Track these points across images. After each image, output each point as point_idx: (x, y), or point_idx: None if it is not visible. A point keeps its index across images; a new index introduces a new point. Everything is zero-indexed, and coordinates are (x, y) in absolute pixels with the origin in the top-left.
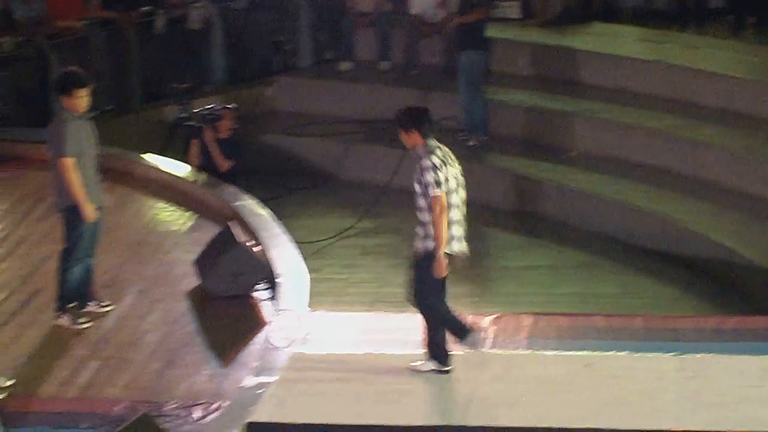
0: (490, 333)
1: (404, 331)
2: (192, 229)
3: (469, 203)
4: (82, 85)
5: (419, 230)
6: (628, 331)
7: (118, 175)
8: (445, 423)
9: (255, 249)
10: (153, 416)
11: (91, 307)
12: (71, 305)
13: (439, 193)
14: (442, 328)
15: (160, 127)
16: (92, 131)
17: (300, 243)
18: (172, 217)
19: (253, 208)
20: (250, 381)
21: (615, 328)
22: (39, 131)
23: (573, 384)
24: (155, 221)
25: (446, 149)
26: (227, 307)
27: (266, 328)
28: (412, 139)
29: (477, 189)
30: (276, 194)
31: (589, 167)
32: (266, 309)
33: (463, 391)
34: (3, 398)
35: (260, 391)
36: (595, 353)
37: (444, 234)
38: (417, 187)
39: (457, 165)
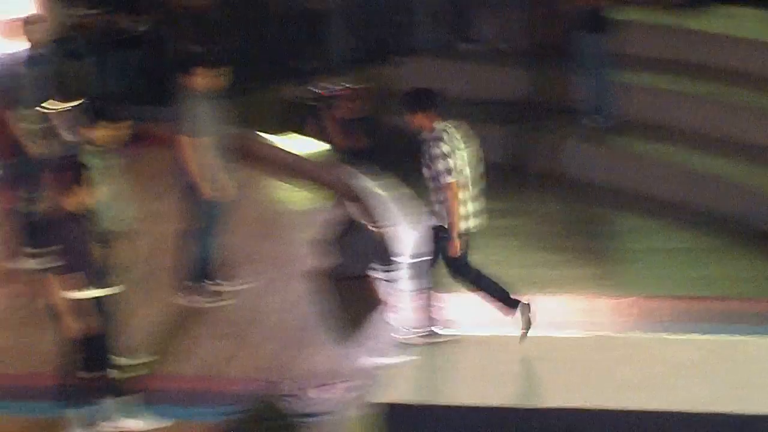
0: (621, 316)
1: (536, 312)
2: (315, 209)
3: (593, 186)
4: (206, 65)
5: (438, 209)
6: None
7: (243, 154)
8: (575, 405)
9: (379, 229)
10: (277, 396)
11: (214, 285)
12: (194, 284)
13: (450, 181)
14: (494, 288)
15: (284, 107)
16: (217, 111)
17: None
18: (296, 196)
19: (376, 188)
20: (372, 361)
21: (750, 312)
22: (160, 110)
23: (707, 368)
24: (279, 201)
25: (453, 129)
26: (351, 288)
27: (389, 309)
28: (417, 121)
29: (601, 171)
30: (400, 175)
31: (714, 150)
32: (390, 290)
33: (594, 374)
34: (126, 377)
35: (382, 371)
36: (731, 337)
37: (456, 217)
38: (425, 172)
39: (467, 144)
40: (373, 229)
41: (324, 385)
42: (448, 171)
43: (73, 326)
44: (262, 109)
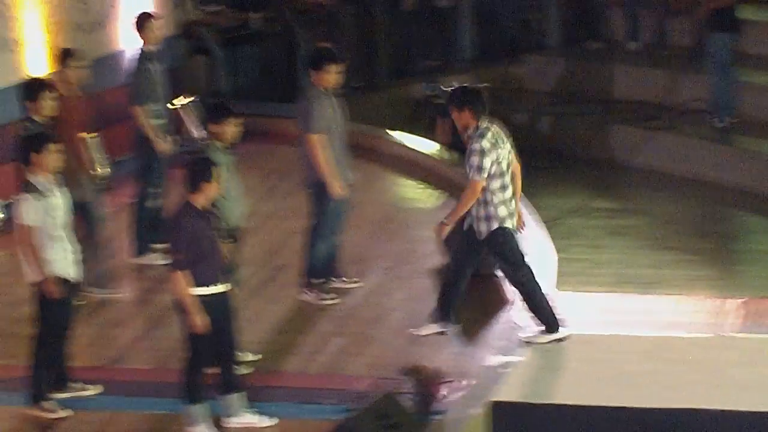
0: (737, 317)
1: (651, 312)
2: (438, 206)
3: (715, 185)
4: (335, 61)
5: (480, 211)
6: None
7: (366, 151)
8: (690, 406)
9: None
10: (398, 393)
11: (337, 283)
12: (317, 281)
13: (477, 180)
14: (539, 296)
15: (408, 105)
16: (340, 108)
17: (546, 222)
18: (418, 194)
19: None
20: (494, 360)
21: None
22: (286, 107)
23: None
24: (402, 198)
25: (497, 129)
26: (473, 286)
27: (511, 308)
28: (464, 119)
29: (724, 171)
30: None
31: None
32: (512, 288)
33: (710, 375)
34: (246, 374)
35: (504, 370)
36: None
37: (462, 212)
38: (467, 169)
39: (508, 144)
40: None
41: (445, 382)
42: (479, 169)
43: (197, 322)
44: (387, 106)
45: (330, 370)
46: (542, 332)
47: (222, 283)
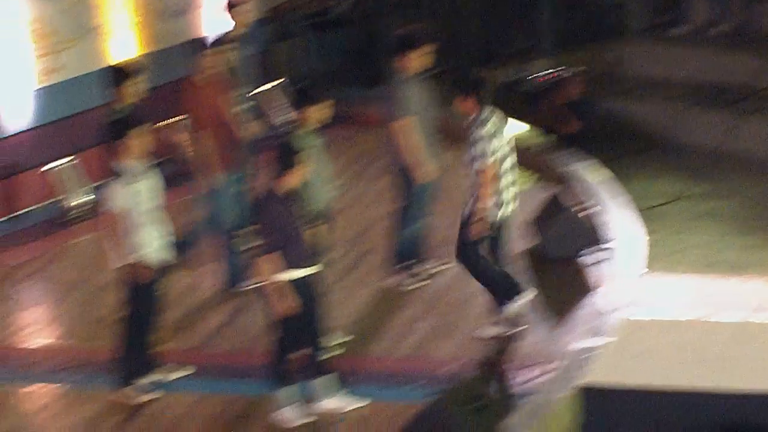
0: None
1: (738, 296)
2: (529, 189)
3: None
4: (422, 44)
5: (476, 191)
6: None
7: (452, 136)
8: None
9: (588, 212)
10: (486, 376)
11: (424, 266)
12: (404, 264)
13: (487, 165)
14: (489, 271)
15: (493, 89)
16: (427, 92)
17: (634, 206)
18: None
19: (586, 170)
20: (582, 344)
21: None
22: (372, 91)
23: None
24: None
25: (498, 119)
26: (562, 269)
27: (599, 292)
28: (467, 105)
29: None
30: (609, 157)
31: None
32: (599, 272)
33: None
34: (333, 356)
35: (592, 354)
36: None
37: (487, 201)
38: (466, 156)
39: (506, 137)
40: (582, 211)
41: (530, 366)
42: (484, 154)
43: (282, 306)
44: None
45: (418, 353)
46: (506, 305)
47: (310, 267)
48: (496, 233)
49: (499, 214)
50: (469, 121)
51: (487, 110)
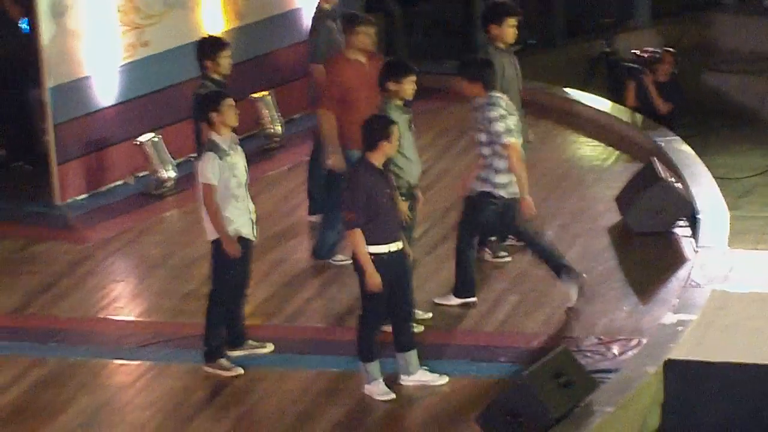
0: None
1: None
2: (614, 164)
3: None
4: (513, 14)
5: (481, 173)
6: None
7: (541, 109)
8: None
9: (677, 185)
10: (572, 351)
11: (512, 241)
12: (492, 239)
13: (512, 141)
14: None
15: (584, 62)
16: (516, 65)
17: (722, 180)
18: (594, 152)
19: (675, 144)
20: (669, 318)
21: None
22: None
23: None
24: (577, 156)
25: (508, 100)
26: (648, 244)
27: (686, 266)
28: (474, 89)
29: None
30: (698, 131)
31: None
32: (686, 246)
33: None
34: (420, 331)
35: (679, 328)
36: None
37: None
38: (478, 136)
39: (516, 117)
40: (671, 185)
41: (620, 340)
42: (509, 131)
43: (372, 280)
44: (562, 63)
45: (504, 328)
46: (453, 294)
47: (398, 241)
48: (512, 212)
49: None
50: (477, 104)
51: (496, 93)
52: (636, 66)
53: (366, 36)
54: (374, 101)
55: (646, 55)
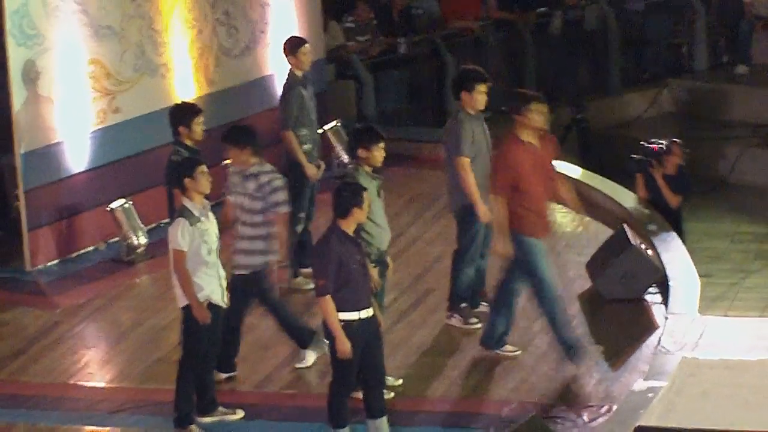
0: None
1: None
2: (584, 231)
3: None
4: (483, 81)
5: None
6: None
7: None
8: None
9: (647, 252)
10: (542, 418)
11: (483, 307)
12: (462, 305)
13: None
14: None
15: (555, 129)
16: (486, 131)
17: (692, 247)
18: (564, 218)
19: (644, 210)
20: (639, 385)
21: None
22: (433, 131)
23: None
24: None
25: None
26: (618, 310)
27: (657, 332)
28: (242, 155)
29: None
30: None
31: None
32: (657, 313)
33: None
34: (391, 398)
35: (650, 395)
36: None
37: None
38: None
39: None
40: (644, 252)
41: (591, 407)
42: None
43: (344, 347)
44: None
45: (475, 394)
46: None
47: (369, 308)
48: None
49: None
50: (247, 172)
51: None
52: (643, 158)
53: (539, 114)
54: (549, 185)
55: (654, 147)
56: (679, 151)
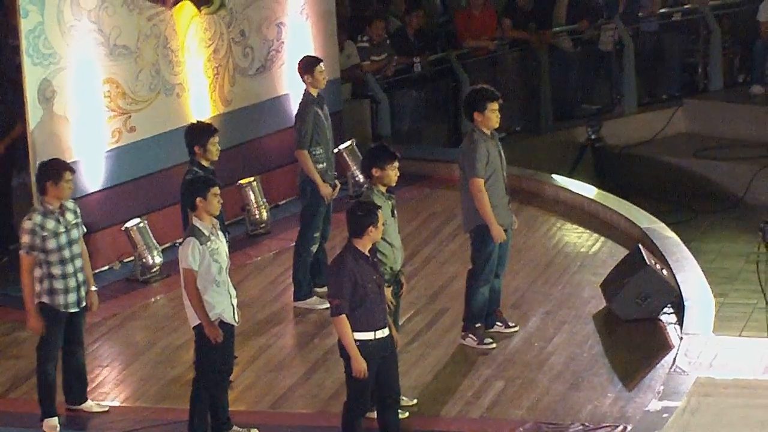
0: None
1: None
2: (599, 251)
3: None
4: (493, 99)
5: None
6: None
7: (527, 195)
8: None
9: (662, 272)
10: None
11: (498, 327)
12: (477, 325)
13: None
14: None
15: (570, 149)
16: (501, 151)
17: (707, 267)
18: (580, 238)
19: (660, 230)
20: (654, 405)
21: None
22: (447, 151)
23: None
24: (563, 243)
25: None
26: (633, 330)
27: (671, 352)
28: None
29: None
30: (683, 217)
31: None
32: (672, 333)
33: None
34: (405, 417)
35: (665, 415)
36: None
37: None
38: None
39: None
40: (659, 272)
41: (605, 427)
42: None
43: (360, 366)
44: (549, 149)
45: (490, 414)
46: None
47: (385, 328)
48: None
49: None
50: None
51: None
52: None
53: None
54: None
55: None
56: None
